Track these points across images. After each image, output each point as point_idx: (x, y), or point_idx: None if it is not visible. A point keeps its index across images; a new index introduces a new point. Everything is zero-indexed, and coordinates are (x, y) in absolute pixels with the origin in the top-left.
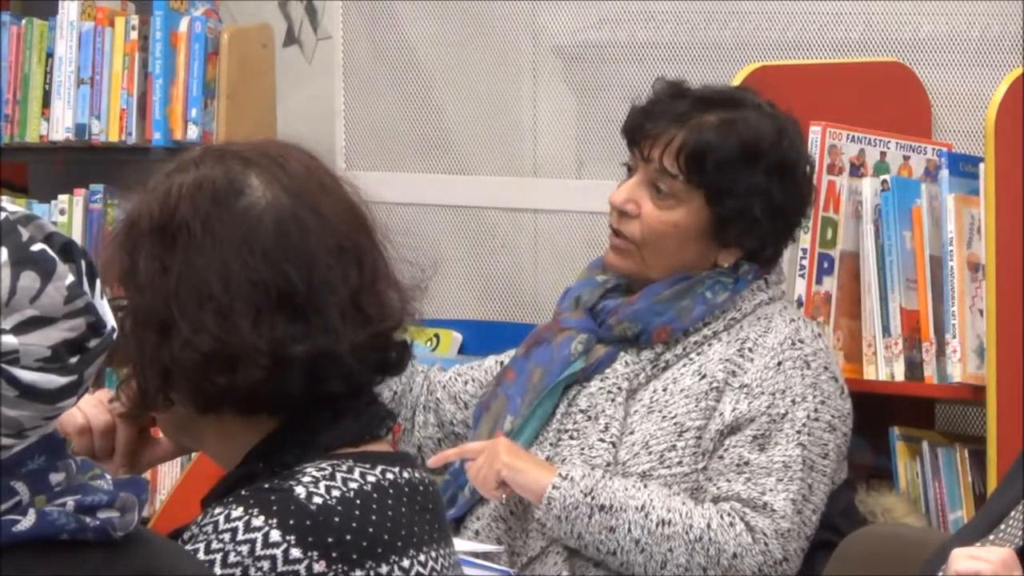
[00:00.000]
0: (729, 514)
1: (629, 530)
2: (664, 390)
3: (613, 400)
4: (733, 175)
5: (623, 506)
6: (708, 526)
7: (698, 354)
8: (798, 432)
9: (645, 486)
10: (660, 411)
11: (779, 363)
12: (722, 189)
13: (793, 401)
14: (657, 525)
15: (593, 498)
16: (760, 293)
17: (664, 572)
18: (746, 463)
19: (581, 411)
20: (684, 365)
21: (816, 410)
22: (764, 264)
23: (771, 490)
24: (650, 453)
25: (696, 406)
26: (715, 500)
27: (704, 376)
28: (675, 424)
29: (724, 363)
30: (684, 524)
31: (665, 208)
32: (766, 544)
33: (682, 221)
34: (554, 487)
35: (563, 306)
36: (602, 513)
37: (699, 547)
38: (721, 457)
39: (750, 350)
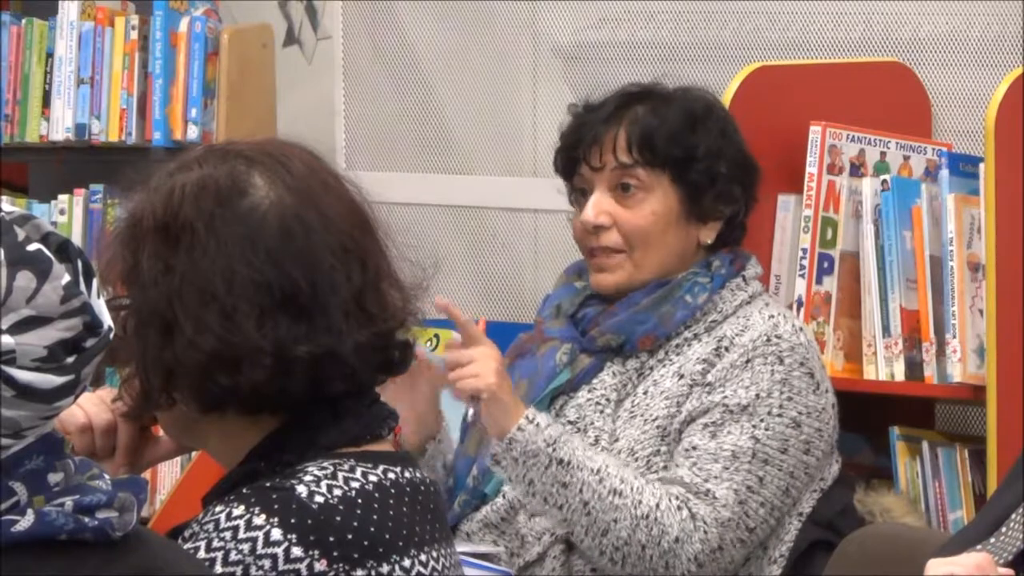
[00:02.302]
0: (677, 498)
1: (580, 490)
2: (645, 394)
3: (602, 412)
4: (688, 143)
5: (580, 465)
6: (656, 506)
7: (678, 355)
8: (754, 425)
9: (602, 450)
10: (642, 415)
11: (748, 360)
12: (681, 160)
13: (757, 396)
14: (608, 493)
15: (554, 449)
16: (740, 292)
17: (603, 540)
18: (694, 447)
19: (570, 422)
20: (665, 367)
21: (781, 406)
22: (733, 243)
23: (715, 477)
24: (636, 459)
25: (677, 408)
26: (662, 481)
27: (683, 376)
28: (657, 427)
29: (702, 363)
30: (634, 499)
31: (636, 204)
32: (705, 532)
33: (658, 207)
34: (519, 428)
35: (544, 314)
36: (559, 467)
37: (643, 524)
38: (679, 443)
39: (726, 348)
